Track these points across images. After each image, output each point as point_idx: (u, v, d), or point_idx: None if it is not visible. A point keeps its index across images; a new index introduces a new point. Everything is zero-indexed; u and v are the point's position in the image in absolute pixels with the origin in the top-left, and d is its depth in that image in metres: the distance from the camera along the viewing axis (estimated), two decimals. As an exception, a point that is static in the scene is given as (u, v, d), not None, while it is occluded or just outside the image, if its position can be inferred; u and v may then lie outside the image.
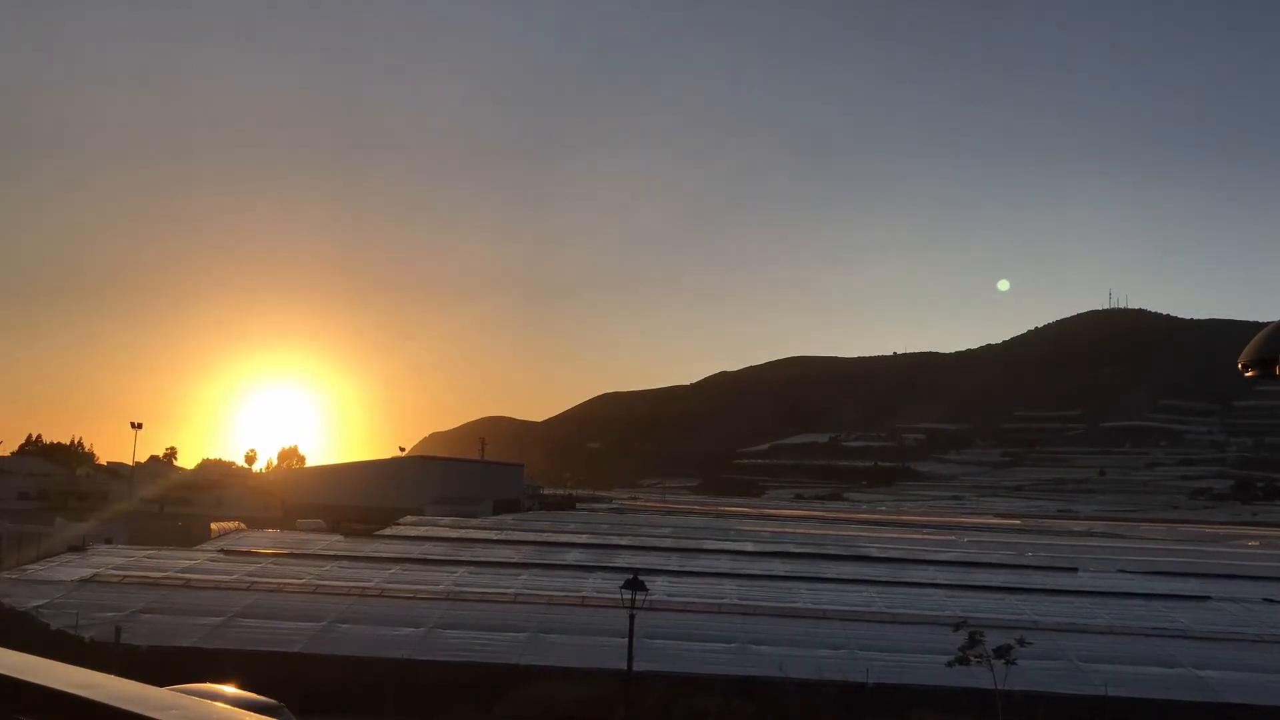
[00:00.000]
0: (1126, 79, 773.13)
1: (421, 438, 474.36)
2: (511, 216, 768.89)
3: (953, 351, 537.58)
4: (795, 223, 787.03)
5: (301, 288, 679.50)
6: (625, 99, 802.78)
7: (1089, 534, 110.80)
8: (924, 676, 28.13)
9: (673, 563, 46.36)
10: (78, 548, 47.25)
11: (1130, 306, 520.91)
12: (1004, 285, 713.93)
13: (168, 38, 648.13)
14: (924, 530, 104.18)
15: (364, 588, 36.40)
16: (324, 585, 36.77)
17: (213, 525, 72.66)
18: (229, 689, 17.09)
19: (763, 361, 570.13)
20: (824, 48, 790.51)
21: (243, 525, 72.59)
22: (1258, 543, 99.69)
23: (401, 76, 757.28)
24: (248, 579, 37.34)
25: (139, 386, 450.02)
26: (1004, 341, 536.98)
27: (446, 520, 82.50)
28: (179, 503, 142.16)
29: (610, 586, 30.61)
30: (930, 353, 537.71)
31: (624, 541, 59.78)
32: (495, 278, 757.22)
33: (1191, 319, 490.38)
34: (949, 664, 26.47)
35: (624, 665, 24.58)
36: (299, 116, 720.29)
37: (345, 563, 42.52)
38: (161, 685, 3.79)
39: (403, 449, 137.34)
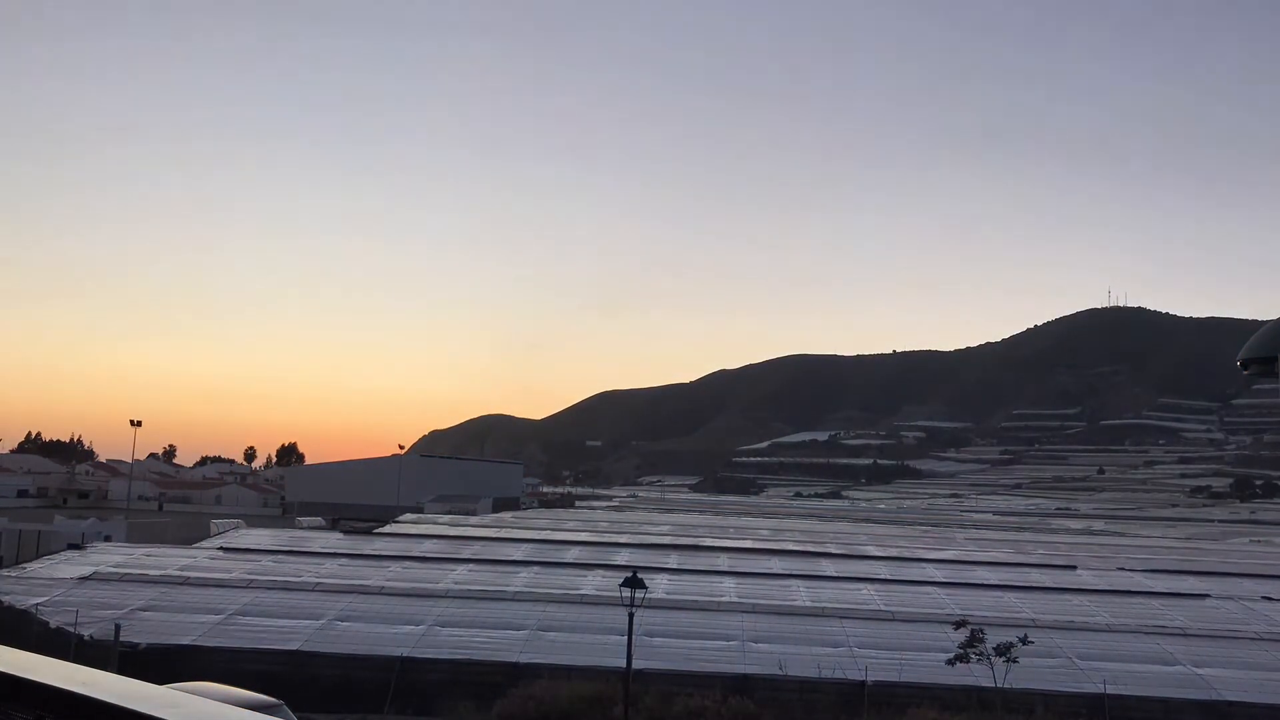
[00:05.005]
0: (1127, 78, 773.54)
1: (421, 436, 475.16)
2: (511, 214, 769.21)
3: (952, 349, 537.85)
4: (795, 221, 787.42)
5: (301, 285, 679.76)
6: (625, 97, 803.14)
7: (1088, 532, 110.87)
8: (923, 674, 28.14)
9: (672, 561, 46.34)
10: (77, 545, 47.34)
11: (1129, 305, 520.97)
12: None
13: (166, 30, 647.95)
14: (923, 528, 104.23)
15: (363, 585, 36.41)
16: (323, 583, 36.78)
17: (212, 523, 72.82)
18: (228, 687, 17.07)
19: (762, 360, 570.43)
20: (821, 48, 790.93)
21: (242, 523, 72.70)
22: (1257, 540, 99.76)
23: (403, 71, 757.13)
24: (247, 577, 37.33)
25: (138, 384, 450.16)
26: (1003, 339, 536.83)
27: (446, 518, 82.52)
28: (178, 500, 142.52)
29: (610, 584, 30.62)
30: (930, 351, 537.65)
31: (623, 539, 59.75)
32: (495, 275, 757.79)
33: (1190, 317, 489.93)
34: (949, 662, 26.52)
35: (623, 663, 24.58)
36: (299, 111, 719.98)
37: (345, 560, 42.53)
38: (161, 683, 3.79)
39: (402, 447, 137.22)
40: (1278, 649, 31.98)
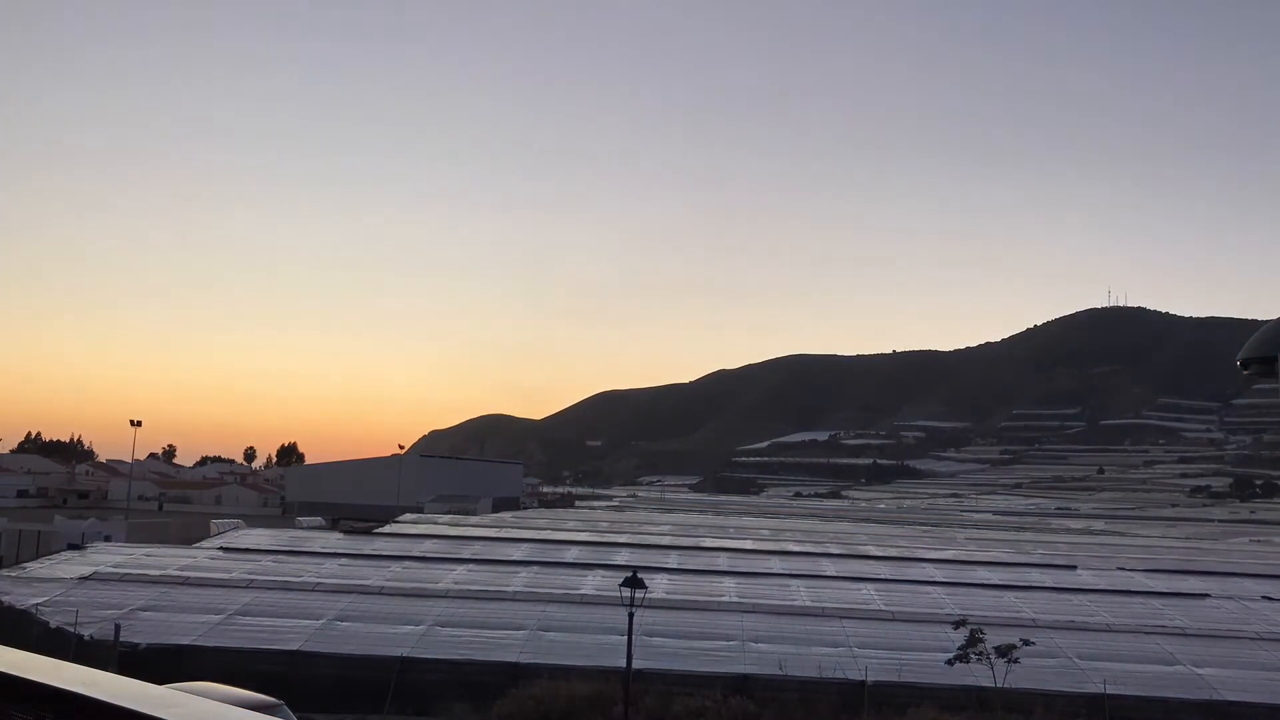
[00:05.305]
0: (1126, 77, 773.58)
1: (421, 436, 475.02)
2: (514, 215, 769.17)
3: (952, 349, 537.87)
4: (795, 221, 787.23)
5: (302, 285, 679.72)
6: (625, 96, 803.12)
7: (1088, 532, 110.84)
8: (923, 674, 28.13)
9: (672, 561, 46.31)
10: (77, 545, 47.31)
11: (1129, 304, 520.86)
12: None
13: (167, 33, 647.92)
14: (923, 528, 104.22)
15: (363, 585, 36.39)
16: (323, 583, 36.76)
17: (212, 523, 72.81)
18: (228, 687, 17.07)
19: (762, 360, 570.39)
20: (822, 47, 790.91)
21: (242, 523, 72.70)
22: (1257, 540, 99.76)
23: (408, 70, 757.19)
24: (247, 577, 37.32)
25: (138, 384, 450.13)
26: (1003, 339, 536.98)
27: (446, 518, 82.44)
28: (178, 500, 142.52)
29: (609, 584, 30.62)
30: (929, 350, 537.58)
31: (623, 539, 59.71)
32: (495, 275, 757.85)
33: (1190, 317, 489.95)
34: (949, 662, 26.53)
35: (623, 663, 24.58)
36: (301, 109, 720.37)
37: (344, 560, 42.50)
38: (161, 683, 3.79)
39: (402, 447, 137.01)
40: (1278, 649, 31.97)
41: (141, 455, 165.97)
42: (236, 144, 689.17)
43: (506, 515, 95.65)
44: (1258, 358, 7.56)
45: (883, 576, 42.50)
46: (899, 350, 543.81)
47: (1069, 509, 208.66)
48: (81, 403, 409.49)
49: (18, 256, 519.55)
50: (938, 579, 42.52)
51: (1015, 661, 25.69)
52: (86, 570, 37.60)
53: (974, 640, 26.07)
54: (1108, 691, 27.31)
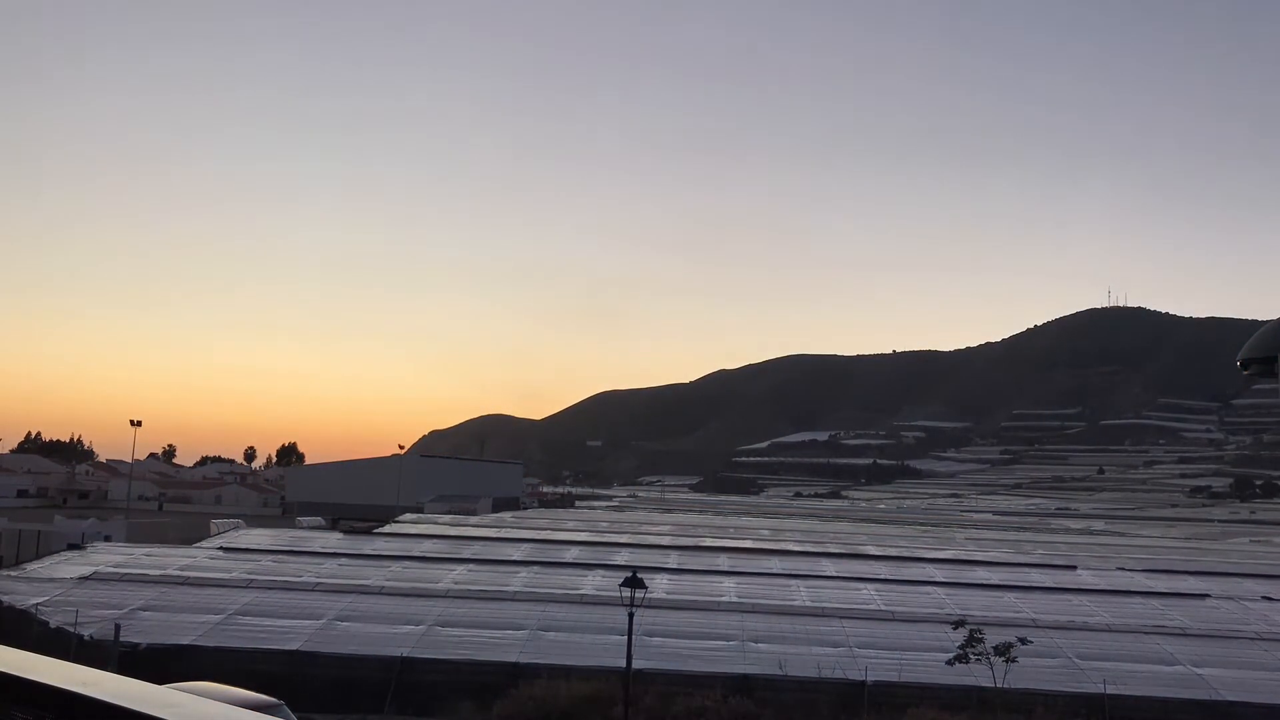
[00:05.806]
0: (1126, 78, 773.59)
1: (421, 436, 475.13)
2: (514, 215, 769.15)
3: (952, 350, 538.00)
4: (795, 221, 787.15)
5: (302, 285, 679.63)
6: (627, 99, 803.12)
7: (1087, 532, 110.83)
8: (923, 674, 28.11)
9: (672, 561, 46.30)
10: (77, 545, 47.26)
11: (1129, 305, 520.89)
12: None
13: (167, 36, 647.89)
14: (923, 528, 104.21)
15: (363, 585, 36.37)
16: (323, 583, 36.75)
17: (212, 523, 72.78)
18: (228, 687, 17.06)
19: (762, 360, 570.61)
20: (822, 46, 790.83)
21: (242, 523, 72.66)
22: (1257, 540, 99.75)
23: (409, 70, 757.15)
24: (247, 576, 37.31)
25: (138, 384, 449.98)
26: (1003, 340, 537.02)
27: (446, 518, 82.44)
28: (178, 500, 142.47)
29: (610, 584, 30.60)
30: (930, 351, 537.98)
31: (623, 539, 59.71)
32: (496, 276, 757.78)
33: (1190, 317, 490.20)
34: (949, 662, 26.48)
35: (623, 663, 24.57)
36: (301, 109, 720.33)
37: (345, 560, 42.51)
38: (160, 683, 3.80)
39: (402, 447, 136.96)
40: (1278, 649, 31.95)
41: (141, 455, 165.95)
42: (237, 145, 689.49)
43: (506, 515, 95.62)
44: (1258, 358, 7.55)
45: (882, 576, 42.47)
46: (899, 350, 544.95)
47: (1069, 509, 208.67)
48: (81, 403, 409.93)
49: (18, 257, 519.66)
50: (937, 579, 42.50)
51: (1015, 661, 25.66)
52: (86, 570, 37.58)
53: (974, 640, 26.04)
54: (1108, 691, 27.29)
